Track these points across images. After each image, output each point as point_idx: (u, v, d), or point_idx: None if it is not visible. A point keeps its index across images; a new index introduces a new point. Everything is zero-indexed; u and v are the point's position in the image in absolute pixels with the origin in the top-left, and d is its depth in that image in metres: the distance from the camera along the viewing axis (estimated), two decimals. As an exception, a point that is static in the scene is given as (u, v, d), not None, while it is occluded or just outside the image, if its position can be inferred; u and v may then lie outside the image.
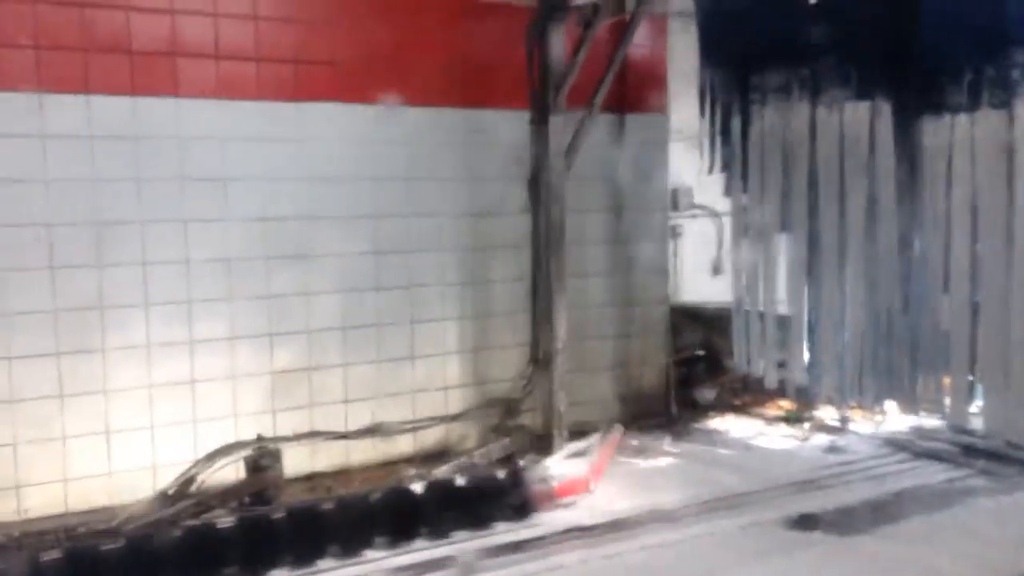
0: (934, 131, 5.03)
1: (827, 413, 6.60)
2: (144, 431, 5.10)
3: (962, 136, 4.91)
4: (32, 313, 4.79)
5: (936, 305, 5.15)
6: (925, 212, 5.14)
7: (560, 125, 5.83)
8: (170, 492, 4.84)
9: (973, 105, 4.83)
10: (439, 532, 4.62)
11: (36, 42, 4.76)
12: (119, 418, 5.02)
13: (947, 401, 5.28)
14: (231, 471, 5.03)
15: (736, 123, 5.82)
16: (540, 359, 5.96)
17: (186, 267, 5.17)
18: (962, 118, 4.89)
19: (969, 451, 5.78)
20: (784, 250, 5.73)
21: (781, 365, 5.91)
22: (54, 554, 4.01)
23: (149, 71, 5.03)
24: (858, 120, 5.25)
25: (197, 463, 5.00)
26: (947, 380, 5.24)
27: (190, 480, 4.91)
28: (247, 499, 4.86)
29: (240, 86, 5.28)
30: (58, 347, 4.86)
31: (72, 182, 4.87)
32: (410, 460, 5.77)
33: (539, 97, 5.83)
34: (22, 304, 4.77)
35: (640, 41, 6.45)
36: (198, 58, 5.16)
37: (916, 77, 5.07)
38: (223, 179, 5.26)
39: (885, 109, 5.18)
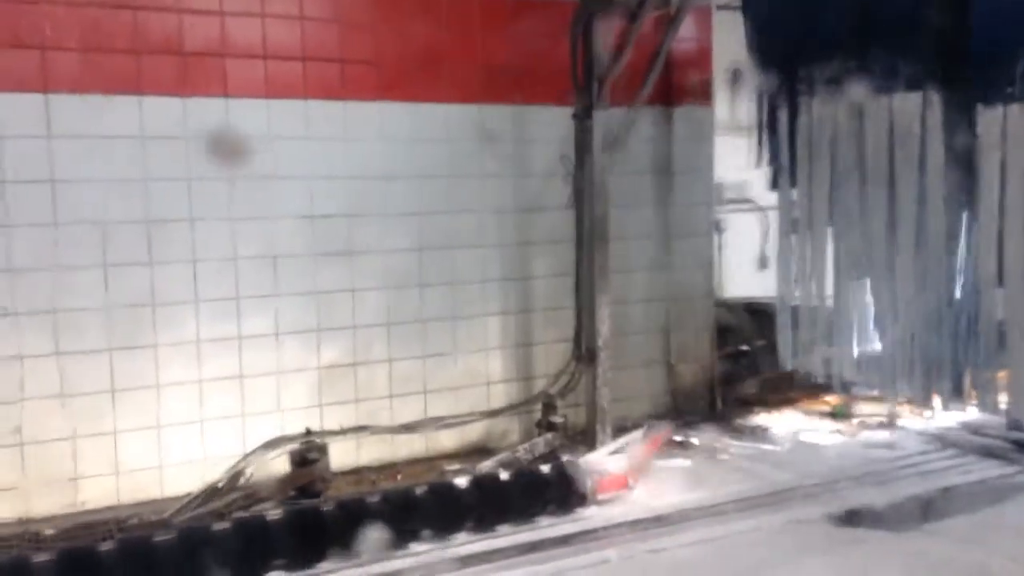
0: (986, 122, 4.93)
1: (875, 408, 6.52)
2: (194, 425, 5.20)
3: (1015, 127, 4.81)
4: (86, 310, 4.91)
5: (989, 299, 5.05)
6: (977, 204, 5.05)
7: (604, 120, 5.79)
8: (220, 485, 4.93)
9: (1026, 94, 4.74)
10: (483, 526, 4.65)
11: (90, 45, 4.86)
12: (169, 413, 5.12)
13: (1001, 396, 5.18)
14: (279, 465, 5.11)
15: (783, 116, 5.75)
16: (583, 355, 5.95)
17: (234, 264, 5.26)
18: (1014, 108, 4.79)
19: (1021, 447, 5.67)
20: (831, 243, 5.66)
21: (828, 360, 5.84)
22: (109, 545, 4.11)
23: (199, 72, 5.11)
24: (908, 111, 5.15)
25: (246, 457, 5.08)
26: (1001, 375, 5.14)
27: (239, 473, 4.99)
28: (295, 492, 4.94)
29: (287, 86, 5.35)
30: (110, 343, 4.96)
31: (124, 182, 4.97)
32: (454, 455, 5.81)
33: (583, 92, 5.80)
34: (76, 301, 4.88)
35: (685, 34, 6.38)
36: (247, 59, 5.24)
37: (967, 67, 4.96)
38: (270, 177, 5.34)
39: (935, 100, 5.08)
